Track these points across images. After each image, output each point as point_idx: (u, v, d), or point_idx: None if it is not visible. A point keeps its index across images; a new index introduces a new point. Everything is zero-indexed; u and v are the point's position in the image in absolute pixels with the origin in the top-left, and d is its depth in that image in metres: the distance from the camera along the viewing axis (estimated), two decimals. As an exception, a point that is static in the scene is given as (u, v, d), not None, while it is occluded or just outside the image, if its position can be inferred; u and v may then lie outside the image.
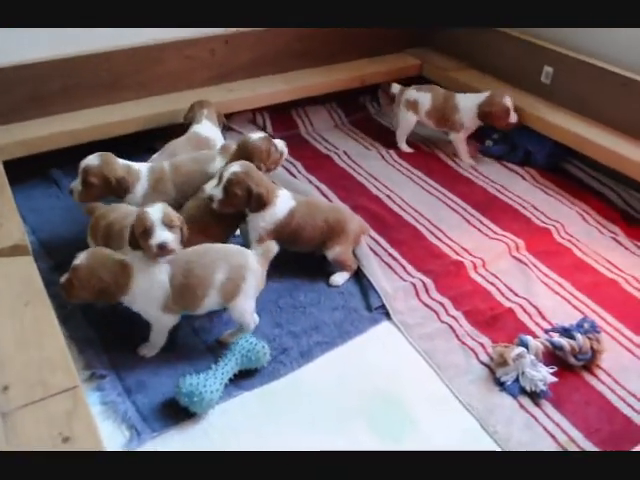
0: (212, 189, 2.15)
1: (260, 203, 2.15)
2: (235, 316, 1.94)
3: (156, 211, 1.83)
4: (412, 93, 3.08)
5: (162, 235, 1.79)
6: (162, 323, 1.91)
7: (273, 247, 1.96)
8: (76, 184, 2.24)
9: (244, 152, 2.31)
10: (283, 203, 2.22)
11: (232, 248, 1.95)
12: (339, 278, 2.29)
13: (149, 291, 1.82)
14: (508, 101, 2.89)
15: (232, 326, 2.06)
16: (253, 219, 2.20)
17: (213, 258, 1.86)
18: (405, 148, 3.18)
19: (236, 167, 2.13)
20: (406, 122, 3.13)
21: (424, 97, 3.04)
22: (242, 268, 1.87)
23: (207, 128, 2.67)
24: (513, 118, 2.92)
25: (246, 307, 1.92)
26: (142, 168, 2.31)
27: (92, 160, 2.22)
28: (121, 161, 2.27)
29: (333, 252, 2.27)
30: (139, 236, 1.81)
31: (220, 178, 2.14)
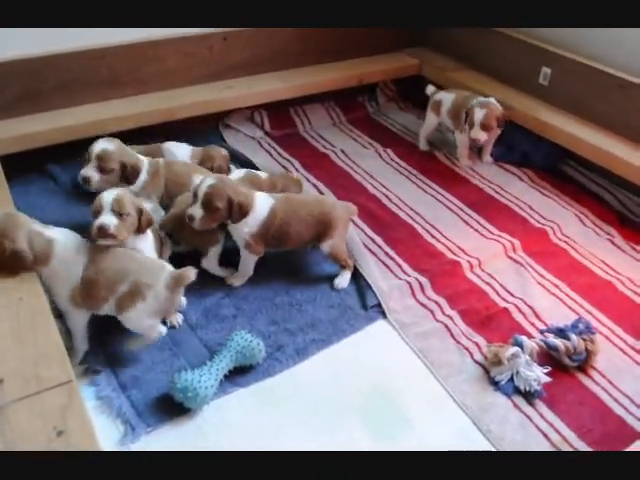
0: (190, 209, 2.07)
1: (242, 212, 2.09)
2: (128, 326, 1.87)
3: (109, 195, 1.89)
4: (439, 94, 3.08)
5: (105, 218, 1.83)
6: (71, 318, 1.87)
7: (191, 274, 1.85)
8: (91, 171, 2.21)
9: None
10: (262, 204, 2.16)
11: (152, 264, 1.89)
12: (343, 281, 2.26)
13: (65, 272, 1.80)
14: (478, 113, 2.78)
15: (228, 322, 2.06)
16: (236, 228, 2.15)
17: (125, 267, 1.82)
18: (422, 146, 3.19)
19: (211, 180, 2.07)
20: (427, 123, 3.14)
21: (447, 97, 3.03)
22: (147, 288, 1.80)
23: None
24: (476, 134, 2.80)
25: (138, 324, 1.85)
26: (144, 159, 2.32)
27: (108, 145, 2.21)
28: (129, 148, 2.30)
29: (327, 246, 2.23)
30: (93, 217, 1.89)
31: (195, 195, 2.07)
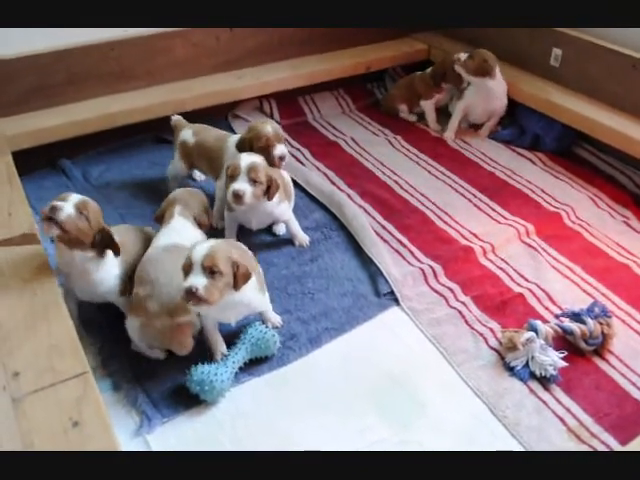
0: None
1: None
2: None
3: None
4: None
5: (192, 280, 1.64)
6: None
7: None
8: (244, 184, 2.05)
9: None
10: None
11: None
12: None
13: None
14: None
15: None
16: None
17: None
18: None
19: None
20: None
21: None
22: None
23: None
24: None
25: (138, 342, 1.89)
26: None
27: (255, 158, 2.10)
28: None
29: None
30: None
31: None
